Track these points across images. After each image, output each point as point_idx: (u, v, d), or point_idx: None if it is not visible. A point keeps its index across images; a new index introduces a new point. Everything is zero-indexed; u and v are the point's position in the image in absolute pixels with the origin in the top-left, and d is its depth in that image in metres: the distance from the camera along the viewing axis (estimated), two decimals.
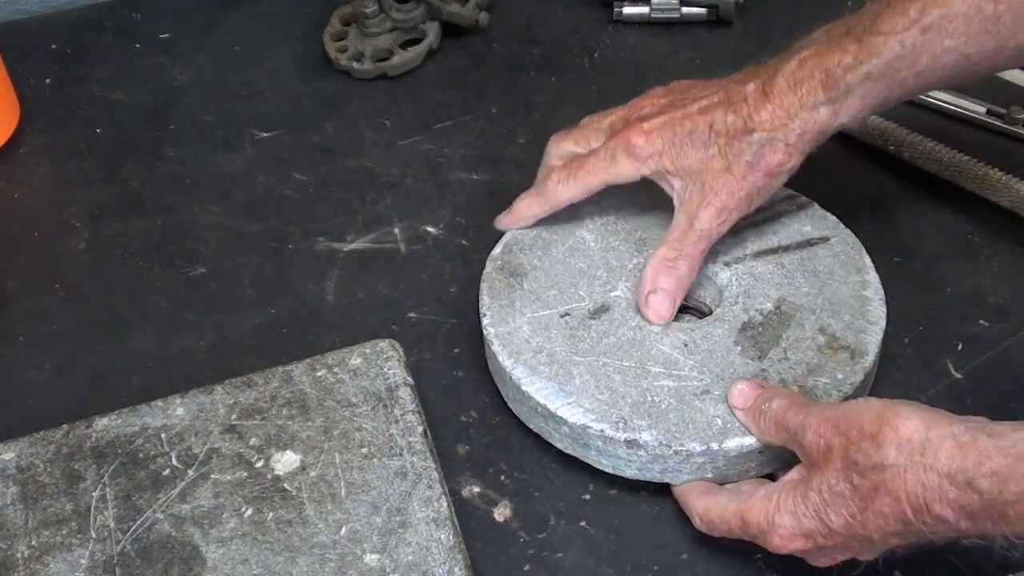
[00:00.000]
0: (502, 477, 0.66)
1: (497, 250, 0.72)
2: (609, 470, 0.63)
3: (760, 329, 0.65)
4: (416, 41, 0.92)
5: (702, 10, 0.94)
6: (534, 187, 0.72)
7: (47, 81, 0.92)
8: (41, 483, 0.63)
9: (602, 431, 0.62)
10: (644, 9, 0.94)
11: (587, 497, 0.65)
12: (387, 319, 0.74)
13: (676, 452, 0.61)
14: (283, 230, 0.80)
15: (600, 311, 0.67)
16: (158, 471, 0.63)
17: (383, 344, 0.69)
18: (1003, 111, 0.82)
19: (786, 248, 0.69)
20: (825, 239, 0.69)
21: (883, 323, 0.65)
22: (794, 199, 0.71)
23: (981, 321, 0.72)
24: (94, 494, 0.62)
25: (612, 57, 0.92)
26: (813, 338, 0.65)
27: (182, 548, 0.60)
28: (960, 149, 0.78)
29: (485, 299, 0.68)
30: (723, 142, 0.65)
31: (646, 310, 0.66)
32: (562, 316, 0.67)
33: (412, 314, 0.75)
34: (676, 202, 0.67)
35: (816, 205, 0.71)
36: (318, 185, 0.83)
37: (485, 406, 0.69)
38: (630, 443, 0.61)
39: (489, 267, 0.70)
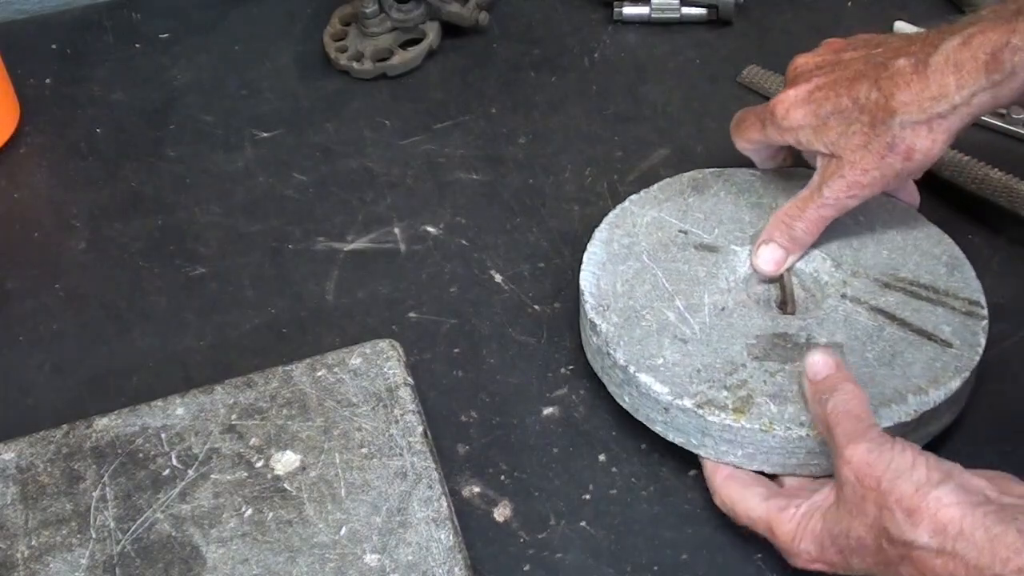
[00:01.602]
0: (502, 477, 0.66)
1: (711, 170, 0.74)
2: (582, 345, 0.70)
3: (787, 345, 0.64)
4: (416, 41, 0.92)
5: (702, 10, 0.94)
6: None
7: (47, 81, 0.92)
8: (41, 483, 0.63)
9: (586, 304, 0.67)
10: (644, 9, 0.94)
11: (587, 497, 0.65)
12: (387, 319, 0.74)
13: (609, 355, 0.65)
14: (283, 230, 0.80)
15: (708, 248, 0.69)
16: (158, 471, 0.63)
17: (383, 344, 0.69)
18: (1003, 111, 0.82)
19: (904, 325, 0.65)
20: (947, 344, 0.63)
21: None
22: (973, 304, 0.66)
23: None
24: (94, 494, 0.62)
25: (612, 57, 0.92)
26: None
27: (182, 548, 0.60)
28: (960, 149, 0.78)
29: (652, 188, 0.73)
30: (866, 119, 0.63)
31: (755, 258, 0.68)
32: (680, 231, 0.70)
33: (412, 314, 0.75)
34: (817, 165, 0.67)
35: (985, 323, 0.65)
36: (318, 185, 0.83)
37: (485, 406, 0.69)
38: (593, 326, 0.66)
39: (690, 173, 0.74)
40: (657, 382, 0.63)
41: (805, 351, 0.62)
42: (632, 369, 0.64)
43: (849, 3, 0.96)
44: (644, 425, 0.68)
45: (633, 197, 0.73)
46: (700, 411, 0.61)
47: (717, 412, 0.61)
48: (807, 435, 0.60)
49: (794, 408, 0.61)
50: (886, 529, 0.52)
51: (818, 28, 0.93)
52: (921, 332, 0.64)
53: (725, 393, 0.62)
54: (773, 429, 0.60)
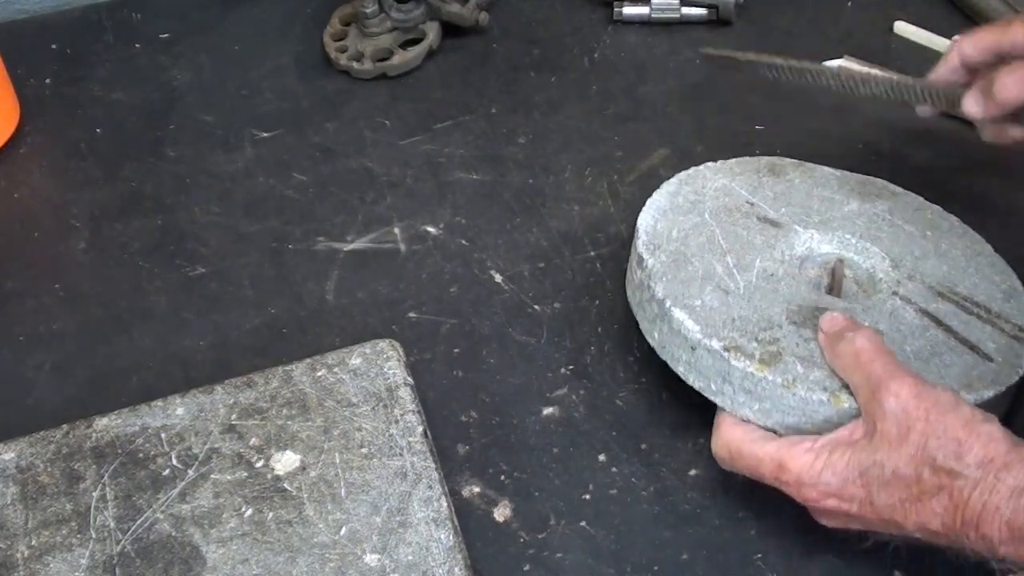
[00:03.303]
0: (502, 477, 0.66)
1: (791, 160, 0.75)
2: (628, 283, 0.70)
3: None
4: (416, 41, 0.92)
5: (702, 10, 0.94)
6: None
7: (47, 81, 0.92)
8: (41, 483, 0.63)
9: (638, 240, 0.68)
10: (644, 9, 0.94)
11: (587, 497, 0.65)
12: (387, 319, 0.74)
13: (648, 288, 0.66)
14: (283, 230, 0.80)
15: (771, 222, 0.69)
16: (158, 471, 0.63)
17: (383, 344, 0.69)
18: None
19: (949, 331, 0.64)
20: (988, 359, 0.63)
21: None
22: (1022, 331, 0.65)
23: None
24: (94, 494, 0.62)
25: (612, 57, 0.92)
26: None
27: (182, 548, 0.60)
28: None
29: (730, 160, 0.74)
30: None
31: (966, 99, 0.68)
32: (747, 202, 0.71)
33: (412, 314, 0.75)
34: None
35: None
36: (318, 185, 0.83)
37: (485, 406, 0.69)
38: (640, 260, 0.67)
39: (770, 157, 0.75)
40: (690, 319, 0.63)
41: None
42: (668, 303, 0.64)
43: (849, 3, 0.96)
44: (643, 425, 0.68)
45: (709, 164, 0.73)
46: (726, 354, 0.61)
47: (743, 359, 0.61)
48: (827, 400, 0.59)
49: (820, 373, 0.61)
50: (932, 458, 0.53)
51: (818, 28, 0.94)
52: (965, 342, 0.64)
53: (755, 344, 0.62)
54: (795, 387, 0.60)
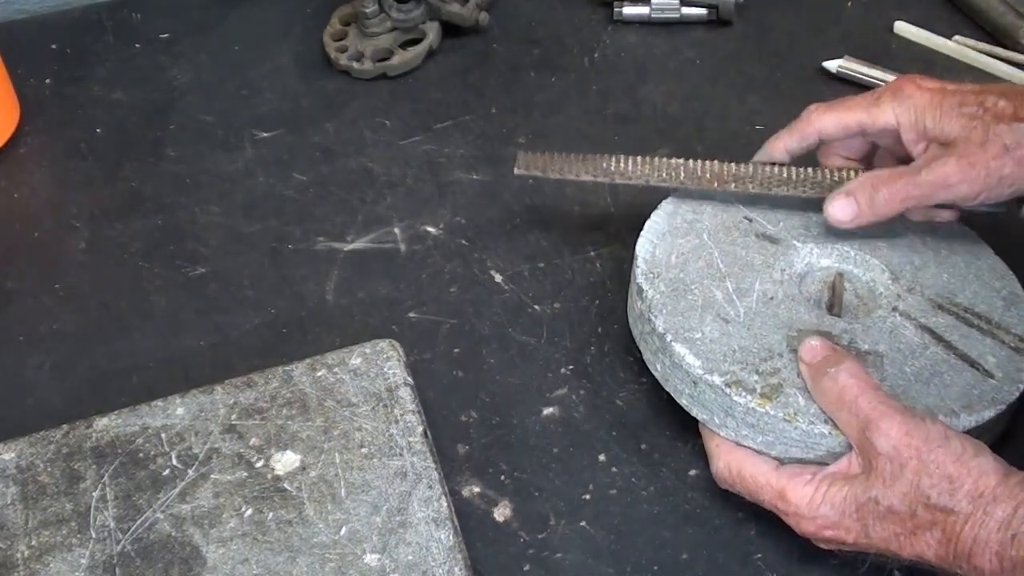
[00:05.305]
0: (502, 477, 0.66)
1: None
2: (629, 310, 0.70)
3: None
4: (416, 41, 0.92)
5: (702, 10, 0.94)
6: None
7: (47, 81, 0.92)
8: (41, 483, 0.63)
9: (637, 268, 0.68)
10: (644, 9, 0.94)
11: (587, 497, 0.65)
12: (387, 319, 0.74)
13: (649, 321, 0.65)
14: (283, 230, 0.80)
15: (769, 238, 0.69)
16: (158, 471, 0.63)
17: (383, 344, 0.69)
18: None
19: (949, 347, 0.64)
20: (989, 375, 0.63)
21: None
22: (1023, 341, 0.65)
23: None
24: (94, 494, 0.62)
25: (612, 57, 0.92)
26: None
27: (182, 548, 0.60)
28: None
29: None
30: (988, 118, 0.63)
31: (829, 205, 0.67)
32: (745, 217, 0.70)
33: (412, 314, 0.75)
34: (916, 153, 0.66)
35: None
36: (318, 185, 0.83)
37: (485, 406, 0.69)
38: (640, 290, 0.67)
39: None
40: (691, 354, 0.63)
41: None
42: (669, 338, 0.64)
43: (849, 3, 0.96)
44: (644, 425, 0.68)
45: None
46: (728, 390, 0.61)
47: (744, 394, 0.61)
48: (829, 433, 0.60)
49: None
50: (926, 497, 0.54)
51: (818, 28, 0.94)
52: (964, 358, 0.64)
53: (756, 377, 0.62)
54: (796, 420, 0.60)
